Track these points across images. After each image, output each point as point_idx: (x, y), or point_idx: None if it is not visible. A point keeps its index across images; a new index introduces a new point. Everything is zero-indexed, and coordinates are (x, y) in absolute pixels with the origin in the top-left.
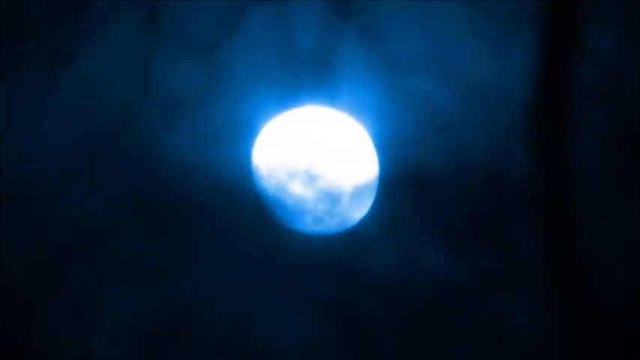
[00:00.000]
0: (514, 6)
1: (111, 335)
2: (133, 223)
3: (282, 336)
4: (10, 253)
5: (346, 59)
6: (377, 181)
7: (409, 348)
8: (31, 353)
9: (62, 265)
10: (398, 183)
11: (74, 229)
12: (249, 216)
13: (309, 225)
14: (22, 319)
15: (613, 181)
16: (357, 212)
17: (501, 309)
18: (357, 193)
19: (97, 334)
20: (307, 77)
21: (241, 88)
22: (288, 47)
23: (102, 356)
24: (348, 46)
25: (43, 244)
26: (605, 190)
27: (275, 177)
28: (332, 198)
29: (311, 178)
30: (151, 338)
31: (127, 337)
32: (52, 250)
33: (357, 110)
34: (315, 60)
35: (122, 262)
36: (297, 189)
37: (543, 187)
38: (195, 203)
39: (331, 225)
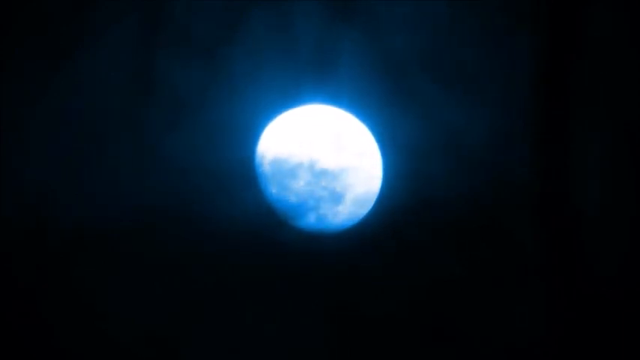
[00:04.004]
0: (514, 5)
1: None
2: (133, 224)
3: (282, 335)
4: (11, 252)
5: (348, 58)
6: (379, 180)
7: (409, 347)
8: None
9: (63, 265)
10: (399, 182)
11: (75, 229)
12: (251, 214)
13: (311, 223)
14: (23, 317)
15: (613, 180)
16: (360, 211)
17: (501, 309)
18: (359, 191)
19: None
20: (309, 76)
21: (243, 87)
22: (289, 46)
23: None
24: (350, 44)
25: (43, 244)
26: (605, 189)
27: (278, 175)
28: (334, 196)
29: (314, 177)
30: (151, 335)
31: (126, 339)
32: (52, 250)
33: (359, 109)
34: (316, 59)
35: (123, 263)
36: (300, 187)
37: (543, 187)
38: (197, 202)
39: (334, 223)
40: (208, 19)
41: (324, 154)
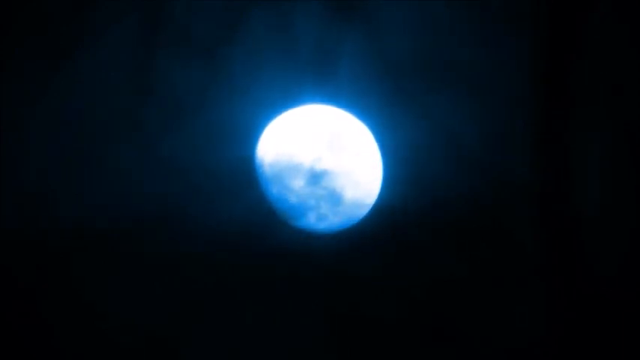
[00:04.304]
0: (514, 5)
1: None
2: (133, 224)
3: (282, 335)
4: (11, 252)
5: (348, 58)
6: (379, 180)
7: (409, 347)
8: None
9: (63, 265)
10: (399, 182)
11: (75, 229)
12: (251, 214)
13: (311, 223)
14: (23, 317)
15: (613, 180)
16: (359, 211)
17: (501, 309)
18: (359, 191)
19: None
20: (309, 76)
21: (243, 88)
22: (289, 46)
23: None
24: (350, 45)
25: (43, 244)
26: (605, 189)
27: (278, 175)
28: (334, 196)
29: (314, 177)
30: (151, 335)
31: (126, 339)
32: (52, 250)
33: (359, 109)
34: (316, 59)
35: (123, 263)
36: (300, 187)
37: (543, 187)
38: (197, 202)
39: (334, 223)
40: (208, 19)
41: (324, 154)
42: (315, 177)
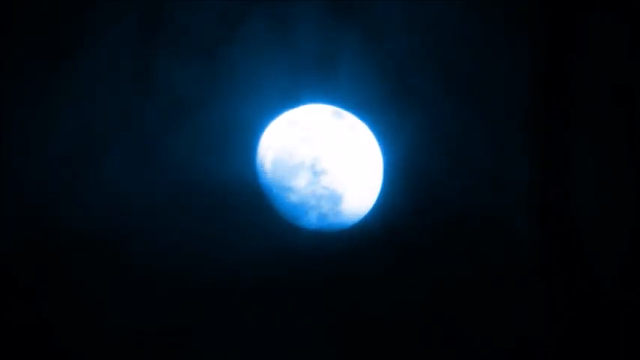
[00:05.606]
0: (514, 6)
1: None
2: (134, 224)
3: (282, 335)
4: (11, 252)
5: (348, 58)
6: (379, 180)
7: (409, 347)
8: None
9: (63, 265)
10: (399, 182)
11: (75, 229)
12: (252, 214)
13: (312, 222)
14: (23, 317)
15: (613, 180)
16: (360, 210)
17: (501, 309)
18: (360, 191)
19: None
20: (309, 76)
21: (243, 88)
22: (289, 46)
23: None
24: (350, 44)
25: (43, 244)
26: (605, 189)
27: (278, 175)
28: (335, 196)
29: (314, 176)
30: (151, 339)
31: (126, 339)
32: (52, 250)
33: (359, 109)
34: (317, 59)
35: (123, 263)
36: (301, 187)
37: (543, 187)
38: (197, 203)
39: (334, 222)
40: (208, 19)
41: (324, 153)
42: (316, 177)
